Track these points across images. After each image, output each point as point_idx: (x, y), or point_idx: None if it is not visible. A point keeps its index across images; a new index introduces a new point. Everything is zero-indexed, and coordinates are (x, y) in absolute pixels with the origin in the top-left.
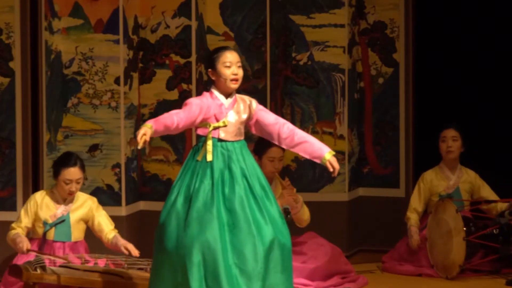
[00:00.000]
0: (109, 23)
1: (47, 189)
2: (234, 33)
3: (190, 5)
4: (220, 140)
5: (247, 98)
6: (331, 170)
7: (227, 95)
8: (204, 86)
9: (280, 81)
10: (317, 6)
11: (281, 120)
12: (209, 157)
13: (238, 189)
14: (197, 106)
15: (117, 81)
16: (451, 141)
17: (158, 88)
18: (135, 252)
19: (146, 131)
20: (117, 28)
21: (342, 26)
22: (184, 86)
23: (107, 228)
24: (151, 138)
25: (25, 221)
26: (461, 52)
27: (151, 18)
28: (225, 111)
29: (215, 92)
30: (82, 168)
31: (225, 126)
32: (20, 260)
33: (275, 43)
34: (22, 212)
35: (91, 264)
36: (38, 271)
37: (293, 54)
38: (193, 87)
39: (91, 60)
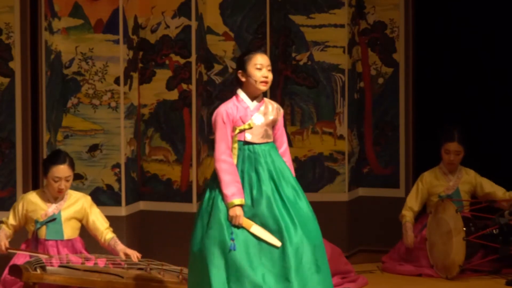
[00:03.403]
0: (109, 23)
1: (39, 188)
2: (234, 33)
3: (190, 5)
4: (246, 142)
5: (275, 103)
6: None
7: (254, 97)
8: (204, 86)
9: (280, 81)
10: (317, 6)
11: (283, 140)
12: (234, 160)
13: (266, 190)
14: (227, 123)
15: (117, 81)
16: (454, 155)
17: (158, 88)
18: (135, 258)
19: (240, 212)
20: (117, 28)
21: (342, 26)
22: (184, 86)
23: (102, 227)
24: (151, 139)
25: (12, 221)
26: (461, 52)
27: (151, 18)
28: (250, 114)
29: (241, 95)
30: (71, 166)
31: (250, 128)
32: (19, 260)
33: (275, 43)
34: (11, 211)
35: (91, 264)
36: (38, 271)
37: (293, 54)
38: (193, 87)
39: (91, 60)
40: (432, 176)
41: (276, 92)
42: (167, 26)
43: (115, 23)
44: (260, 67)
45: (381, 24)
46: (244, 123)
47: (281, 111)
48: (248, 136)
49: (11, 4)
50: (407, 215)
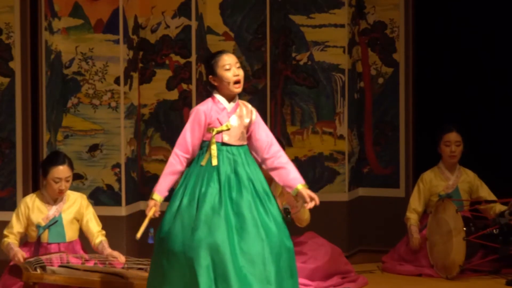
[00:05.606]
0: (109, 23)
1: (37, 191)
2: (234, 33)
3: (190, 5)
4: (224, 144)
5: (249, 105)
6: (307, 200)
7: (230, 99)
8: (204, 86)
9: (280, 81)
10: (317, 6)
11: (271, 139)
12: (214, 162)
13: (246, 193)
14: (201, 125)
15: (117, 81)
16: (454, 146)
17: (158, 88)
18: (122, 259)
19: (155, 203)
20: (117, 28)
21: (342, 26)
22: (184, 86)
23: (94, 229)
24: (151, 139)
25: (17, 226)
26: (461, 52)
27: (151, 18)
28: (227, 115)
29: (218, 97)
30: (71, 166)
31: (228, 129)
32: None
33: (275, 43)
34: (14, 217)
35: (91, 264)
36: (38, 271)
37: (293, 54)
38: (193, 87)
39: (91, 60)
40: (432, 175)
41: (276, 92)
42: (167, 26)
43: (115, 23)
44: (228, 67)
45: (381, 24)
46: (221, 124)
47: (255, 113)
48: (226, 138)
49: (11, 4)
50: (412, 217)
